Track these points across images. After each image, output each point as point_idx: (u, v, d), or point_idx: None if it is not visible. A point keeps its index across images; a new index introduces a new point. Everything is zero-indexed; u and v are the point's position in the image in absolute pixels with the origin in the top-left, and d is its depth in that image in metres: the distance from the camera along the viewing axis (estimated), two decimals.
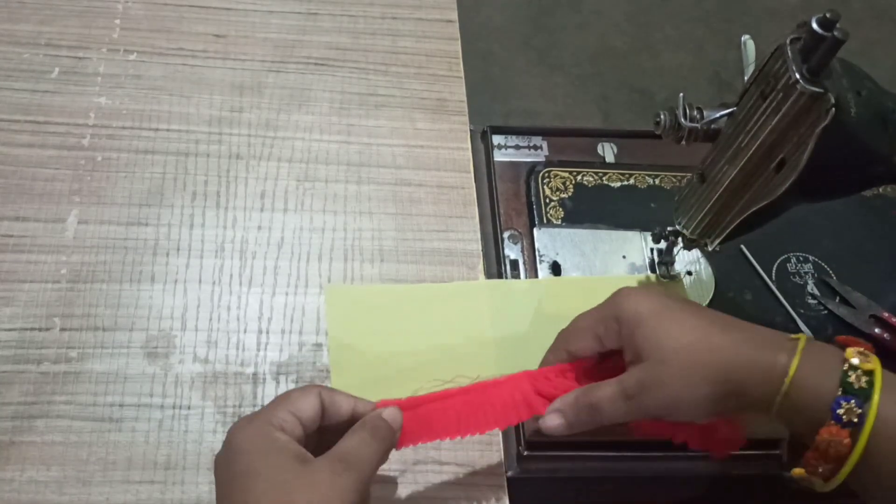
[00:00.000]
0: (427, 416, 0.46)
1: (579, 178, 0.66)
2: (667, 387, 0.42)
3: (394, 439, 0.43)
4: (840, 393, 0.38)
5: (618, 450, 0.54)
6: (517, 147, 0.68)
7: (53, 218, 0.57)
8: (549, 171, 0.66)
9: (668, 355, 0.42)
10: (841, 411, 0.38)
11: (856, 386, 0.38)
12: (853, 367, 0.38)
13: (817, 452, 0.39)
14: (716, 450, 0.48)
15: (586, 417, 0.45)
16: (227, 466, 0.39)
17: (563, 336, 0.50)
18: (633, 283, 0.60)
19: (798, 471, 0.40)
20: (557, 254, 0.61)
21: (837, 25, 0.41)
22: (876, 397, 0.38)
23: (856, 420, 0.37)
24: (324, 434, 0.43)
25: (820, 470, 0.39)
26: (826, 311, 0.62)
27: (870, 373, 0.38)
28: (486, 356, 0.55)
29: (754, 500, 0.59)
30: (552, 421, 0.46)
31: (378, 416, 0.43)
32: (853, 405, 0.38)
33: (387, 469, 0.50)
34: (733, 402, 0.42)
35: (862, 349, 0.40)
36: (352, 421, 0.43)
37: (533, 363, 0.55)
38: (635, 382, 0.43)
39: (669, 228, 0.57)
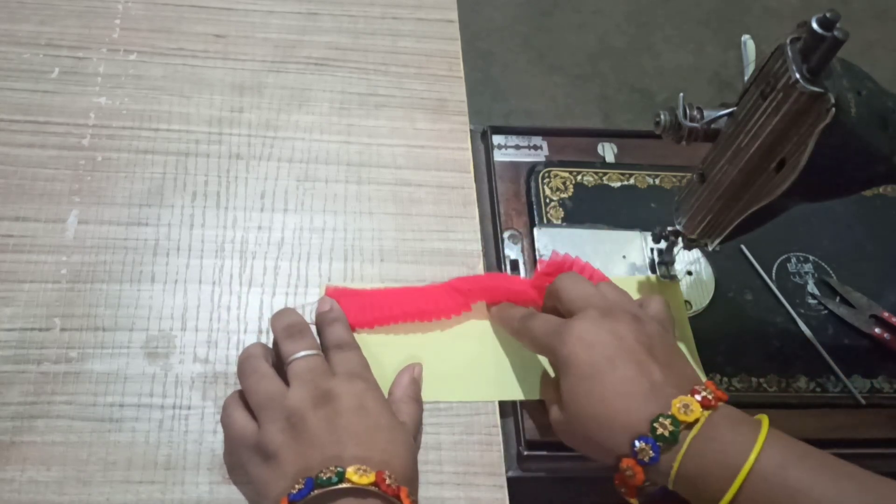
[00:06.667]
0: (369, 299, 0.56)
1: (579, 178, 0.66)
2: (563, 433, 0.49)
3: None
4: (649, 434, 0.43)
5: None
6: (517, 147, 0.68)
7: (53, 218, 0.57)
8: (549, 171, 0.66)
9: (574, 414, 0.47)
10: (637, 448, 0.43)
11: (658, 432, 0.43)
12: (664, 416, 0.43)
13: (619, 476, 0.45)
14: None
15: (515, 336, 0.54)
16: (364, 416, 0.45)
17: (511, 319, 0.54)
18: (634, 284, 0.60)
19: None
20: None
21: (837, 25, 0.41)
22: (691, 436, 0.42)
23: (647, 460, 0.43)
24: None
25: (623, 490, 0.45)
26: (826, 311, 0.62)
27: (680, 423, 0.43)
28: (485, 355, 0.55)
29: None
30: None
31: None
32: (648, 447, 0.43)
33: None
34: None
35: (689, 400, 0.43)
36: None
37: (531, 363, 0.55)
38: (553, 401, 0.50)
39: (669, 228, 0.57)
